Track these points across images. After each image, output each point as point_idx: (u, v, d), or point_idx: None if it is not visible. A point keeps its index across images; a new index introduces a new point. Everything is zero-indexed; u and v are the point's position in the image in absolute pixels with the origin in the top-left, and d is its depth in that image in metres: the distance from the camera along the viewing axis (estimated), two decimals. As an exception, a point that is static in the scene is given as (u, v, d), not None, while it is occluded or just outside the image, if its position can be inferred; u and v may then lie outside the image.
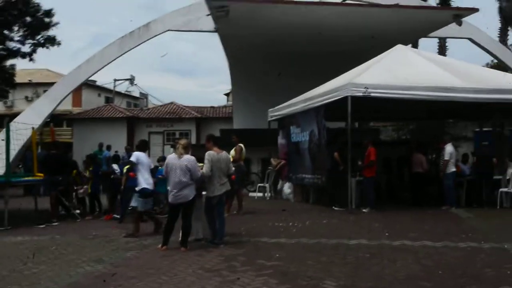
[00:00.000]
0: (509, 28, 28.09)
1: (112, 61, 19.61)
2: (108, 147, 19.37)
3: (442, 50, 26.51)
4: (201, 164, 7.74)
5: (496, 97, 11.58)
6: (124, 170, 10.36)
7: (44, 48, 22.28)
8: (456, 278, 5.53)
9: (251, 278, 5.59)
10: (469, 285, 5.26)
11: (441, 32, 19.21)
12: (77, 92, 30.06)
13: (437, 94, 11.23)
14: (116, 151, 18.06)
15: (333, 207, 11.75)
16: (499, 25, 28.24)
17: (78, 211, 11.61)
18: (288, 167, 14.86)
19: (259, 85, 18.90)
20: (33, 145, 12.79)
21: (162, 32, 19.40)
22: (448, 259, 6.43)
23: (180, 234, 7.53)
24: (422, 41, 24.20)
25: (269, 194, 15.00)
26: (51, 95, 19.86)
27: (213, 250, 7.24)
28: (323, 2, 15.50)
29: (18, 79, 24.59)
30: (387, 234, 8.25)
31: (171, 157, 7.64)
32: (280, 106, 15.29)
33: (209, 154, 7.73)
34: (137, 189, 8.78)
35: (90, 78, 22.41)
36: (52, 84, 22.38)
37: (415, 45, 21.44)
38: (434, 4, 24.50)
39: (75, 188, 11.92)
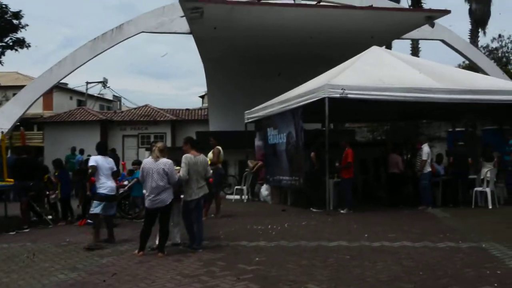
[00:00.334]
0: (479, 30, 28.70)
1: (84, 63, 19.28)
2: (81, 151, 18.97)
3: (415, 51, 26.93)
4: (178, 168, 7.59)
5: (469, 97, 11.75)
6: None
7: (13, 51, 21.76)
8: (437, 278, 5.52)
9: (231, 284, 5.47)
10: (450, 285, 5.26)
11: (414, 33, 19.49)
12: (48, 95, 29.49)
13: (412, 95, 11.33)
14: (88, 155, 17.61)
15: (311, 209, 11.72)
16: (469, 26, 28.85)
17: (50, 217, 11.27)
18: (265, 169, 14.80)
19: (235, 87, 18.78)
20: (2, 149, 12.38)
21: (136, 34, 19.15)
22: (428, 259, 6.43)
23: (157, 239, 7.37)
24: (395, 43, 24.55)
25: (247, 197, 14.90)
26: (21, 98, 19.40)
27: (192, 255, 7.10)
28: (297, 4, 15.51)
29: (-14, 82, 23.99)
30: (366, 235, 8.24)
31: (147, 161, 7.46)
32: (257, 108, 15.22)
33: (186, 157, 7.58)
34: (94, 193, 8.39)
35: (61, 81, 21.96)
36: (22, 87, 21.85)
37: (388, 47, 21.71)
38: (406, 6, 24.87)
39: (47, 193, 11.59)
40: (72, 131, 24.67)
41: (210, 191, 8.51)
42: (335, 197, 11.92)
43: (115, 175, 8.91)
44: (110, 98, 43.93)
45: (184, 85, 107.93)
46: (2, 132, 12.54)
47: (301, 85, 13.60)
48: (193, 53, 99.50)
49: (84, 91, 38.83)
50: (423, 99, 11.50)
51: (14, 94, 23.07)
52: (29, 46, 21.88)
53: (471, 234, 8.22)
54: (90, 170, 8.51)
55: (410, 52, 26.94)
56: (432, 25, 17.36)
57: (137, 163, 12.13)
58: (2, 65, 21.93)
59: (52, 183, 11.74)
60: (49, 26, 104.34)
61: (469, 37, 28.21)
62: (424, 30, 18.90)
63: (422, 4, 26.55)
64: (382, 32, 16.54)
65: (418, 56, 25.09)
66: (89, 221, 10.70)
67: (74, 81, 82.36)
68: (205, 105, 33.06)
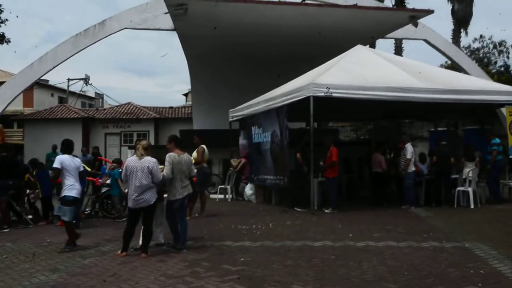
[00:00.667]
0: (461, 30, 29.05)
1: (66, 59, 18.94)
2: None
3: (398, 50, 27.17)
4: (161, 166, 7.50)
5: (451, 97, 11.87)
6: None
7: (-8, 46, 21.32)
8: (422, 278, 5.53)
9: (216, 285, 5.41)
10: (435, 285, 5.27)
11: (398, 33, 19.60)
12: (28, 92, 29.06)
13: (396, 94, 11.39)
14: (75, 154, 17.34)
15: (296, 208, 11.70)
16: (452, 27, 29.18)
17: (30, 217, 11.05)
18: (249, 168, 14.75)
19: (219, 84, 18.69)
20: (-19, 147, 12.09)
21: (119, 30, 18.88)
22: (412, 259, 6.45)
23: (141, 239, 7.27)
24: (379, 42, 24.74)
25: (231, 196, 14.83)
26: (1, 95, 18.97)
27: (176, 255, 7.01)
28: (282, 2, 15.45)
29: (-36, 78, 23.49)
30: (351, 235, 8.24)
31: (132, 159, 7.33)
32: (242, 106, 15.15)
33: (170, 156, 7.49)
34: (60, 196, 7.82)
35: (42, 77, 21.59)
36: (1, 83, 21.41)
37: (372, 46, 21.83)
38: (390, 6, 25.02)
39: (27, 192, 11.36)
40: (53, 129, 24.32)
41: (194, 190, 8.42)
42: (319, 196, 11.93)
43: (82, 175, 8.58)
44: (92, 95, 43.49)
45: (167, 82, 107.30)
46: (-19, 130, 12.22)
47: (286, 83, 13.57)
48: (177, 50, 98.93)
49: (66, 88, 38.38)
50: (406, 98, 11.58)
51: (-7, 91, 22.52)
52: (9, 41, 21.45)
53: (454, 233, 8.28)
54: (52, 173, 8.00)
55: (394, 51, 27.20)
56: (416, 25, 17.47)
57: (117, 161, 11.99)
58: (-20, 60, 21.49)
59: (31, 181, 11.51)
60: (30, 21, 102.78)
61: (451, 37, 28.56)
62: (407, 30, 19.03)
63: (406, 3, 26.78)
64: (366, 31, 16.60)
65: (401, 56, 25.31)
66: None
67: (56, 78, 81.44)
68: (189, 103, 32.89)
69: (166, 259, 6.76)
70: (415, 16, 16.45)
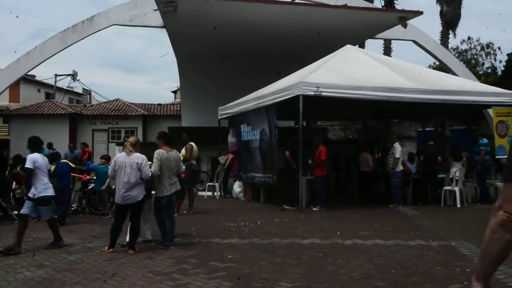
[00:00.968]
0: (450, 32, 29.28)
1: (54, 55, 18.78)
2: (49, 145, 18.46)
3: (387, 51, 27.31)
4: (150, 163, 7.45)
5: (439, 97, 11.96)
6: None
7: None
8: (409, 276, 5.56)
9: (204, 282, 5.39)
10: (422, 283, 5.29)
11: (387, 33, 19.70)
12: (15, 87, 28.74)
13: (384, 94, 11.46)
14: (53, 149, 17.10)
15: (284, 206, 11.72)
16: (440, 28, 29.39)
17: (16, 212, 10.92)
18: (238, 166, 14.73)
19: (208, 82, 18.65)
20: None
21: (107, 27, 18.76)
22: (399, 257, 6.48)
23: (128, 235, 7.22)
24: (368, 42, 24.83)
25: (219, 193, 14.80)
26: (-14, 90, 18.77)
27: (163, 252, 6.98)
28: (271, 1, 15.46)
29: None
30: (338, 233, 8.27)
31: (121, 155, 7.29)
32: (231, 104, 15.13)
33: (158, 152, 7.45)
34: (35, 197, 7.37)
35: (29, 73, 21.37)
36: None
37: (361, 46, 21.92)
38: (379, 6, 25.16)
39: (13, 187, 11.23)
40: (40, 125, 24.05)
41: (182, 187, 8.40)
42: (307, 194, 11.96)
43: (66, 172, 8.42)
44: (80, 91, 43.15)
45: (156, 79, 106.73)
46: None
47: (275, 82, 13.58)
48: (165, 47, 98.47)
49: (53, 83, 38.01)
50: (394, 98, 11.67)
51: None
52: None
53: (441, 232, 8.35)
54: (24, 173, 7.78)
55: (383, 51, 27.33)
56: (405, 26, 17.58)
57: (106, 157, 11.89)
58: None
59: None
60: (18, 15, 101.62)
61: (439, 38, 28.76)
62: (396, 31, 19.13)
63: (395, 4, 26.93)
64: (356, 31, 16.66)
65: (390, 56, 25.45)
66: (55, 216, 10.43)
67: (43, 73, 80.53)
68: (178, 100, 32.78)
69: (154, 256, 6.73)
70: (404, 17, 16.55)
